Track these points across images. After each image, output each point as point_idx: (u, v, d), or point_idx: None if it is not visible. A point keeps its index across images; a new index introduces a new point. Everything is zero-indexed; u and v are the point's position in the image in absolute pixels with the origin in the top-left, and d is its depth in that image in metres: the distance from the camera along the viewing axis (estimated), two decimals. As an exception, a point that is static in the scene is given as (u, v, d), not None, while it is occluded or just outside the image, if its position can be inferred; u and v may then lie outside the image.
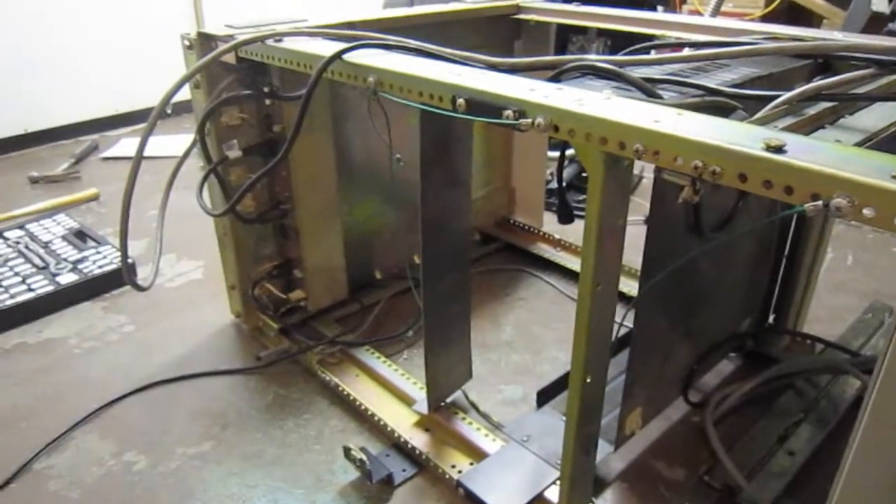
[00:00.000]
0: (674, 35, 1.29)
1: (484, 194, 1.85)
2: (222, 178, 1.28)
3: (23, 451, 1.16)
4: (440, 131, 1.00)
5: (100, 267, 1.70)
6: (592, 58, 0.91)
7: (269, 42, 1.10)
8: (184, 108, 1.28)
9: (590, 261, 0.75)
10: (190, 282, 1.73)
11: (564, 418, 0.88)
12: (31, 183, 2.37)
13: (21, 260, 1.74)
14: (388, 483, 1.09)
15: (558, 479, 1.02)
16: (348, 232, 1.49)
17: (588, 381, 0.83)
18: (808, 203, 0.54)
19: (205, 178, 1.26)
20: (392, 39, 1.01)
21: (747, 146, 0.58)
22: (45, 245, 1.82)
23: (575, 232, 1.67)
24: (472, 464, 1.10)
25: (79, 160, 2.57)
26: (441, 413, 1.20)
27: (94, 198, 2.24)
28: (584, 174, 1.96)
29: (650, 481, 1.10)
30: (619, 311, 0.84)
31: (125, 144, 2.76)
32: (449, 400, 1.23)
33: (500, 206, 1.92)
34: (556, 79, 0.88)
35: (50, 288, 1.61)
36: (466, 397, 1.24)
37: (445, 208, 1.07)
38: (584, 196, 0.74)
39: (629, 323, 0.94)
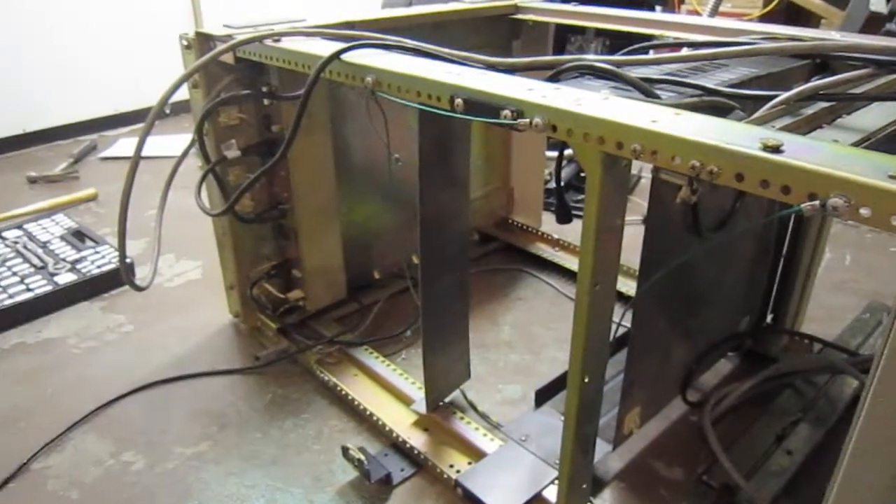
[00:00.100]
0: (672, 35, 1.29)
1: (482, 194, 1.85)
2: (221, 177, 1.28)
3: (21, 451, 1.16)
4: (439, 131, 1.00)
5: (98, 267, 1.70)
6: (590, 58, 0.91)
7: (268, 42, 1.10)
8: (182, 107, 1.28)
9: (588, 260, 0.76)
10: (188, 282, 1.73)
11: (563, 418, 0.88)
12: (30, 183, 2.37)
13: (19, 260, 1.74)
14: (387, 483, 1.09)
15: (557, 478, 1.02)
16: (347, 232, 1.49)
17: (586, 380, 0.83)
18: (805, 203, 0.54)
19: (203, 178, 1.26)
20: (390, 39, 1.01)
21: (745, 146, 0.58)
22: (44, 245, 1.81)
23: (573, 232, 1.67)
24: (470, 463, 1.10)
25: (77, 160, 2.57)
26: (439, 413, 1.20)
27: (93, 198, 2.24)
28: (582, 174, 1.96)
29: (648, 481, 1.10)
30: (618, 310, 0.84)
31: (124, 144, 2.76)
32: (447, 400, 1.23)
33: (499, 205, 1.92)
34: (554, 79, 0.88)
35: (48, 288, 1.61)
36: (465, 397, 1.24)
37: (444, 208, 1.07)
38: (583, 196, 0.74)
39: (627, 322, 0.94)
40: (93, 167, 2.55)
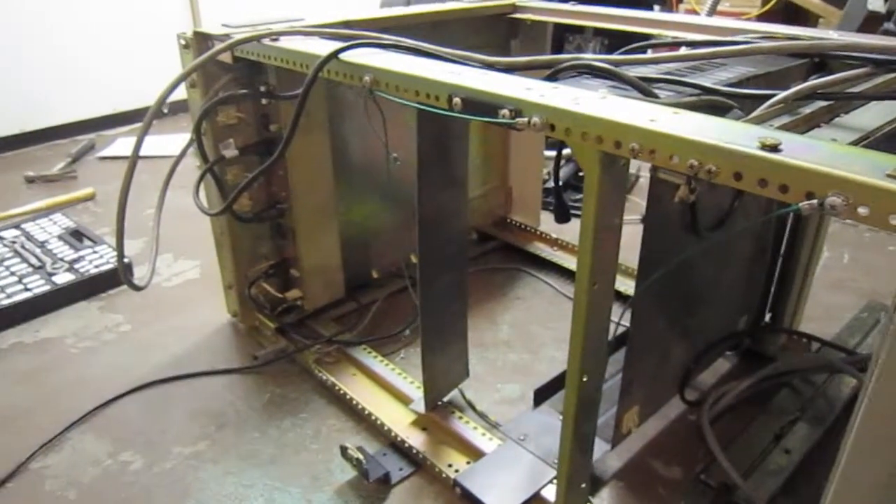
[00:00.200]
0: (670, 34, 1.29)
1: (481, 193, 1.85)
2: (219, 177, 1.27)
3: (19, 451, 1.16)
4: (437, 130, 1.00)
5: (96, 266, 1.69)
6: (589, 57, 0.91)
7: (266, 41, 1.10)
8: (180, 107, 1.28)
9: (586, 259, 0.76)
10: (187, 281, 1.73)
11: (561, 417, 0.88)
12: (28, 182, 2.37)
13: (17, 259, 1.73)
14: (385, 482, 1.09)
15: (555, 477, 1.02)
16: (345, 231, 1.49)
17: (585, 379, 0.83)
18: (803, 202, 0.54)
19: (201, 178, 1.26)
20: (388, 39, 1.01)
21: (743, 145, 0.58)
22: (42, 245, 1.81)
23: (572, 231, 1.67)
24: (468, 463, 1.10)
25: (75, 159, 2.57)
26: (438, 412, 1.20)
27: (91, 197, 2.23)
28: (580, 173, 1.96)
29: (647, 480, 1.10)
30: (616, 309, 0.84)
31: (122, 144, 2.76)
32: (446, 399, 1.23)
33: (498, 205, 1.92)
34: (552, 78, 0.88)
35: (46, 287, 1.60)
36: (463, 396, 1.24)
37: (442, 207, 1.07)
38: (581, 195, 0.74)
39: (626, 322, 0.94)
40: (91, 167, 2.55)
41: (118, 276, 1.27)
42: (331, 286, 1.52)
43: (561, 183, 1.82)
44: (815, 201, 0.53)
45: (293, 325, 1.46)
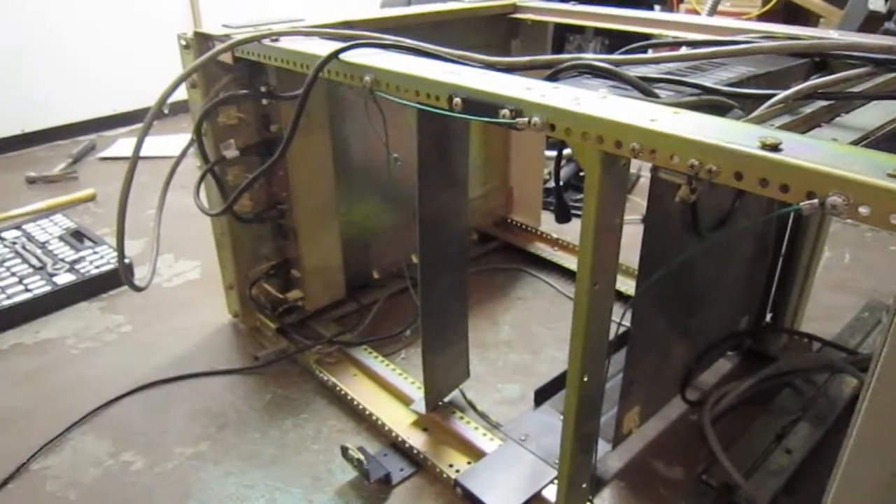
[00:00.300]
0: (671, 34, 1.29)
1: (482, 194, 1.85)
2: (219, 177, 1.27)
3: (20, 452, 1.16)
4: (437, 131, 1.00)
5: (97, 267, 1.69)
6: (589, 57, 0.91)
7: (266, 42, 1.10)
8: (181, 107, 1.28)
9: (587, 259, 0.75)
10: (187, 282, 1.73)
11: (562, 417, 0.88)
12: (29, 183, 2.37)
13: (18, 260, 1.73)
14: (386, 483, 1.09)
15: (556, 478, 1.02)
16: (346, 231, 1.49)
17: (586, 379, 0.83)
18: (804, 201, 0.54)
19: (202, 178, 1.26)
20: (389, 39, 1.01)
21: (743, 145, 0.58)
22: (42, 245, 1.81)
23: (572, 231, 1.67)
24: (469, 463, 1.10)
25: (76, 160, 2.57)
26: (439, 412, 1.20)
27: (92, 198, 2.23)
28: (581, 173, 1.96)
29: (648, 480, 1.10)
30: (617, 309, 0.84)
31: (122, 144, 2.76)
32: (447, 399, 1.23)
33: (498, 205, 1.92)
34: (552, 78, 0.88)
35: (47, 288, 1.61)
36: (464, 397, 1.24)
37: (443, 208, 1.07)
38: (582, 195, 0.74)
39: (627, 322, 0.94)
40: (91, 167, 2.55)
41: (119, 277, 1.27)
42: (331, 287, 1.52)
43: (562, 183, 1.82)
44: (815, 201, 0.53)
45: (294, 326, 1.46)
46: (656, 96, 0.79)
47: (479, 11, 1.51)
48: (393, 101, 0.90)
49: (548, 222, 1.90)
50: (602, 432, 0.97)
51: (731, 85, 0.86)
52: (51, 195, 2.23)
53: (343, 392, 1.27)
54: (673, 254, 0.93)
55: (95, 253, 1.76)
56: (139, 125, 1.11)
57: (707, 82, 0.84)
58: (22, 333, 1.52)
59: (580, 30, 2.88)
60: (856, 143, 0.72)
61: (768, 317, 1.37)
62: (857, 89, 0.85)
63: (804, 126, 0.76)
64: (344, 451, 1.09)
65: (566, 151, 0.88)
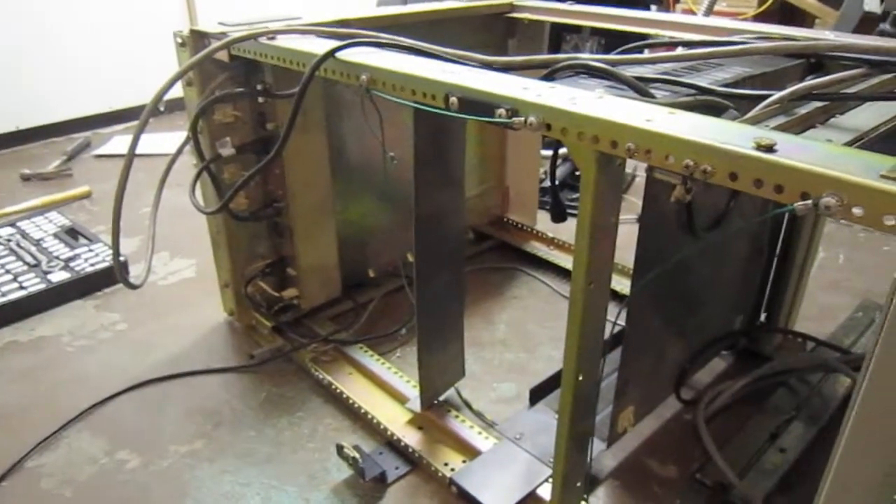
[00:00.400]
0: (667, 34, 1.29)
1: (478, 193, 1.85)
2: (215, 175, 1.27)
3: (15, 450, 1.16)
4: (434, 130, 1.00)
5: (92, 265, 1.69)
6: (585, 57, 0.91)
7: (262, 40, 1.10)
8: (177, 105, 1.28)
9: (582, 259, 0.76)
10: (183, 280, 1.73)
11: (557, 416, 0.88)
12: (23, 180, 2.36)
13: (13, 258, 1.73)
14: (381, 481, 1.09)
15: (551, 476, 1.03)
16: (342, 230, 1.49)
17: (580, 378, 0.83)
18: (798, 202, 0.54)
19: (197, 176, 1.26)
20: (385, 37, 1.01)
21: (738, 145, 0.58)
22: (37, 243, 1.81)
23: (568, 230, 1.68)
24: (464, 462, 1.10)
25: (71, 157, 2.56)
26: (434, 411, 1.20)
27: (87, 195, 2.23)
28: (577, 173, 1.96)
29: (642, 479, 1.11)
30: (612, 309, 0.84)
31: (118, 142, 2.75)
32: (442, 398, 1.23)
33: (494, 204, 1.92)
34: (549, 77, 0.88)
35: (42, 286, 1.60)
36: (460, 395, 1.24)
37: (439, 207, 1.07)
38: (578, 194, 0.74)
39: (622, 321, 0.94)
40: (87, 165, 2.54)
41: (114, 275, 1.27)
42: (327, 285, 1.52)
43: (557, 182, 1.82)
44: (809, 202, 0.54)
45: (290, 324, 1.46)
46: (652, 96, 0.79)
47: (476, 11, 1.51)
48: (389, 100, 0.90)
49: (544, 221, 1.90)
50: (597, 431, 0.97)
51: (726, 85, 0.86)
52: (45, 192, 2.22)
53: (338, 390, 1.27)
54: (668, 253, 0.93)
55: (90, 251, 1.76)
56: (135, 122, 1.11)
57: (703, 83, 0.84)
58: (17, 331, 1.51)
59: (577, 29, 2.88)
60: (850, 144, 0.72)
61: (763, 316, 1.37)
62: (852, 90, 0.86)
63: (799, 127, 0.77)
64: (339, 449, 1.09)
65: (562, 151, 0.88)
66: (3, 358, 1.43)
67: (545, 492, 1.03)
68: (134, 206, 1.95)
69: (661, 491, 1.08)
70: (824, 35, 1.12)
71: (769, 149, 0.57)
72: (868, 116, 0.81)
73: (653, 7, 2.99)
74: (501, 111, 0.75)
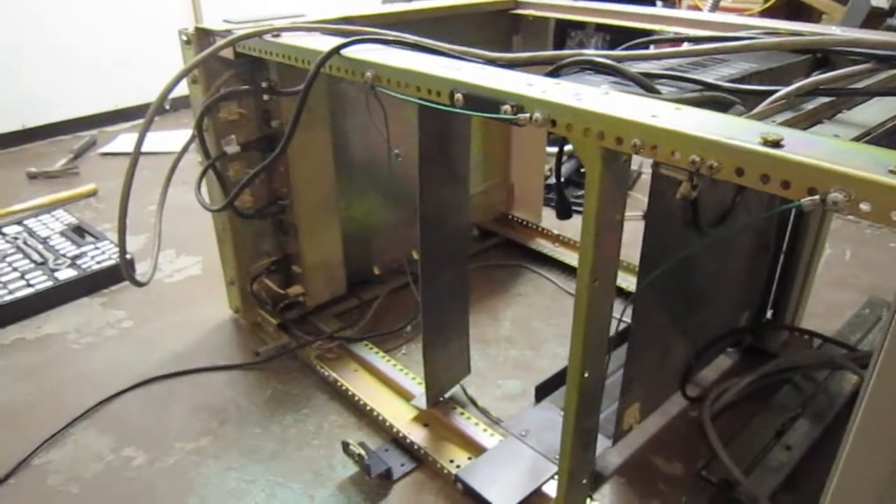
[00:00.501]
0: (672, 30, 1.28)
1: (482, 189, 1.85)
2: (220, 173, 1.27)
3: (22, 447, 1.17)
4: (438, 126, 1.00)
5: (98, 262, 1.70)
6: (591, 53, 0.91)
7: (267, 37, 1.10)
8: (182, 103, 1.28)
9: (588, 256, 0.75)
10: (189, 277, 1.73)
11: (562, 413, 0.88)
12: (30, 178, 2.37)
13: (19, 255, 1.74)
14: (387, 478, 1.09)
15: (556, 473, 1.03)
16: (347, 227, 1.49)
17: (586, 375, 0.83)
18: (805, 198, 0.54)
19: (203, 174, 1.26)
20: (390, 34, 1.01)
21: (745, 141, 0.58)
22: (44, 241, 1.81)
23: (573, 227, 1.67)
24: (470, 458, 1.10)
25: (77, 156, 2.57)
26: (440, 408, 1.20)
27: (93, 193, 2.23)
28: (582, 169, 1.96)
29: (648, 476, 1.10)
30: (618, 306, 0.84)
31: (124, 140, 2.76)
32: (447, 395, 1.23)
33: (499, 201, 1.92)
34: (554, 74, 0.88)
35: (48, 283, 1.61)
36: (465, 392, 1.24)
37: (444, 204, 1.07)
38: (583, 191, 0.74)
39: (627, 318, 0.94)
40: (93, 163, 2.55)
41: (120, 273, 1.27)
42: (332, 282, 1.52)
43: (563, 179, 1.82)
44: (816, 197, 0.53)
45: (295, 322, 1.46)
46: (658, 92, 0.79)
47: (481, 7, 1.51)
48: (394, 97, 0.90)
49: (549, 218, 1.90)
50: (602, 428, 0.97)
51: (732, 81, 0.86)
52: (52, 191, 2.23)
53: (344, 388, 1.27)
54: (674, 250, 0.93)
55: (97, 248, 1.76)
56: (140, 121, 1.11)
57: (709, 78, 0.84)
58: (23, 328, 1.52)
59: (581, 26, 2.88)
60: (857, 139, 0.72)
61: (769, 313, 1.37)
62: (859, 86, 0.85)
63: (806, 122, 0.76)
64: (345, 446, 1.09)
65: (567, 147, 0.88)
66: (9, 355, 1.43)
67: (551, 489, 1.03)
68: (140, 204, 1.94)
69: (666, 488, 1.08)
70: (831, 30, 1.11)
71: (776, 144, 0.57)
72: (875, 112, 0.80)
73: (658, 3, 2.97)
74: (507, 107, 0.75)
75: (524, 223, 1.91)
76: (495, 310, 1.57)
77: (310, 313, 1.49)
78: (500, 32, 1.61)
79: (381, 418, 1.20)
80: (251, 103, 1.31)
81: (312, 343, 1.38)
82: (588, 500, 0.99)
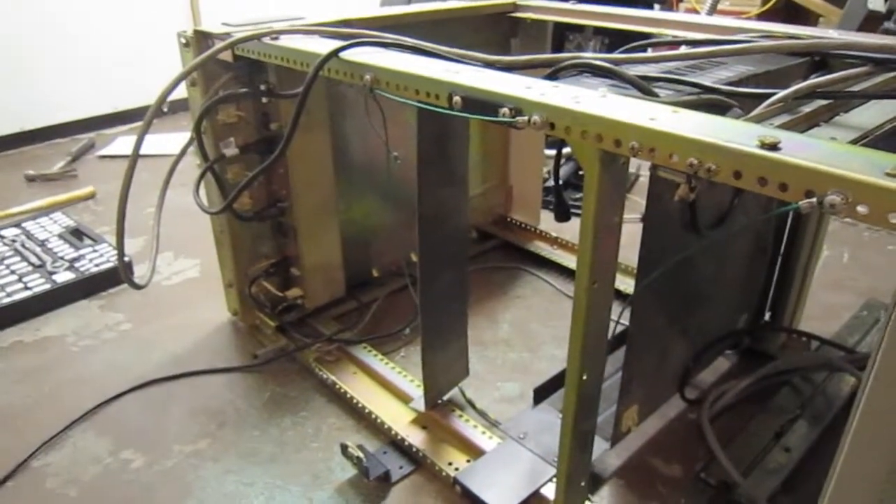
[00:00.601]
0: (670, 33, 1.29)
1: (481, 192, 1.85)
2: (219, 175, 1.28)
3: (20, 450, 1.16)
4: (437, 129, 1.00)
5: (96, 265, 1.70)
6: (589, 56, 0.91)
7: (266, 40, 1.10)
8: (181, 105, 1.28)
9: (586, 258, 0.76)
10: (187, 280, 1.73)
11: (561, 415, 0.88)
12: (28, 181, 2.37)
13: (18, 258, 1.73)
14: (385, 480, 1.09)
15: (555, 476, 1.03)
16: (345, 230, 1.49)
17: (584, 378, 0.83)
18: (802, 200, 0.54)
19: (201, 176, 1.26)
20: (389, 37, 1.01)
21: (742, 143, 0.58)
22: (42, 243, 1.81)
23: (572, 230, 1.67)
24: (468, 461, 1.10)
25: (75, 158, 2.57)
26: (438, 410, 1.20)
27: (91, 196, 2.23)
28: (580, 172, 1.96)
29: (647, 478, 1.10)
30: (616, 308, 0.84)
31: (122, 142, 2.76)
32: (446, 397, 1.23)
33: (498, 203, 1.92)
34: (552, 77, 0.88)
35: (47, 286, 1.61)
36: (463, 395, 1.24)
37: (442, 206, 1.07)
38: (581, 194, 0.74)
39: (626, 320, 0.94)
40: (91, 165, 2.55)
41: (118, 275, 1.27)
42: (331, 285, 1.52)
43: (561, 181, 1.82)
44: (814, 200, 0.53)
45: (293, 324, 1.46)
46: (656, 95, 0.79)
47: (479, 10, 1.51)
48: (393, 100, 0.91)
49: (547, 221, 1.90)
50: (601, 430, 0.97)
51: (730, 84, 0.86)
52: (50, 193, 2.23)
53: (342, 390, 1.27)
54: (672, 252, 0.93)
55: (95, 251, 1.76)
56: (139, 123, 1.11)
57: (706, 81, 0.84)
58: (22, 331, 1.52)
59: (580, 29, 2.88)
60: (854, 142, 0.72)
61: (767, 315, 1.37)
62: (856, 88, 0.86)
63: (803, 125, 0.76)
64: (343, 448, 1.09)
65: (565, 150, 0.88)
66: (8, 358, 1.43)
67: (549, 491, 1.03)
68: (138, 207, 1.94)
69: (665, 490, 1.08)
70: (828, 34, 1.11)
71: (773, 147, 0.57)
72: (872, 114, 0.80)
73: (656, 6, 2.98)
74: (505, 110, 0.75)
75: (523, 225, 1.91)
76: (494, 312, 1.57)
77: (308, 316, 1.49)
78: (498, 35, 1.62)
79: (379, 421, 1.19)
80: (250, 106, 1.31)
81: (311, 345, 1.38)
82: (587, 502, 0.99)
